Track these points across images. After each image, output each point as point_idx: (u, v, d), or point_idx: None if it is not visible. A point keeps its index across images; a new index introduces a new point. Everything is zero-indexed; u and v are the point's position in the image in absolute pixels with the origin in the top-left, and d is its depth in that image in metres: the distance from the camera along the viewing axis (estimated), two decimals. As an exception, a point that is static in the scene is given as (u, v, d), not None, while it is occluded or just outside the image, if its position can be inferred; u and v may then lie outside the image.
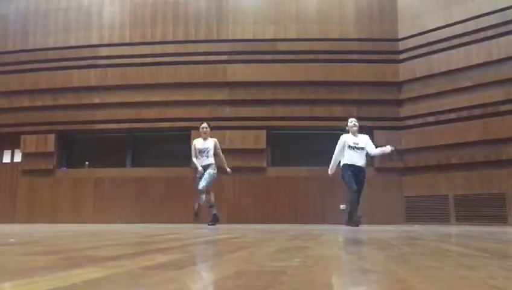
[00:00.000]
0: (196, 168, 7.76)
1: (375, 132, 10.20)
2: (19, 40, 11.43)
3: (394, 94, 10.43)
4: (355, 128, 7.61)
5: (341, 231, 4.87)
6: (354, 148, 7.41)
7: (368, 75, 10.37)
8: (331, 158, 7.67)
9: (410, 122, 10.25)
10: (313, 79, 10.48)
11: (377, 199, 9.97)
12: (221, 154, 7.97)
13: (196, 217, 7.71)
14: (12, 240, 2.22)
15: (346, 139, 7.52)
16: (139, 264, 1.01)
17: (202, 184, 7.56)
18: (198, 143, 7.94)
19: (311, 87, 10.51)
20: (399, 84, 10.45)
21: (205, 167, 7.73)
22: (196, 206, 7.71)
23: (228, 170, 8.04)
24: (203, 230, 4.09)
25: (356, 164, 7.34)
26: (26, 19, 11.52)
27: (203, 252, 1.33)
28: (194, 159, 7.84)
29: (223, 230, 4.55)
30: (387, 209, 9.92)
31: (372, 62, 10.46)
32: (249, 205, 10.19)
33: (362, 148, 7.42)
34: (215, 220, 7.58)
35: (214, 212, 7.67)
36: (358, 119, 10.24)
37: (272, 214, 10.03)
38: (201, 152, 7.83)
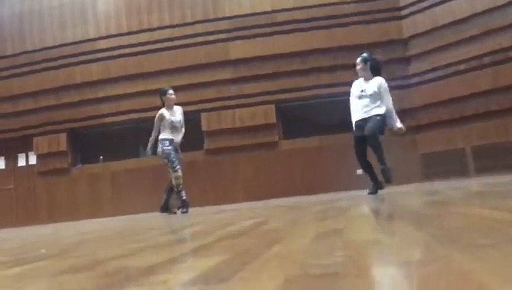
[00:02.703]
0: (169, 153, 6.42)
1: (385, 93, 10.07)
2: (17, 43, 11.37)
3: (400, 52, 10.24)
4: (362, 73, 5.83)
5: (363, 200, 4.84)
6: (360, 96, 5.75)
7: (371, 36, 10.17)
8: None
9: (419, 79, 10.09)
10: (316, 47, 10.32)
11: (392, 160, 9.88)
12: None
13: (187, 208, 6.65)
14: (43, 251, 2.23)
15: (352, 87, 5.98)
16: (179, 277, 0.99)
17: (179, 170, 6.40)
18: (168, 114, 6.54)
19: (315, 56, 10.36)
20: (404, 42, 10.25)
21: (177, 146, 6.56)
22: (184, 195, 6.59)
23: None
24: (222, 215, 4.09)
25: (362, 118, 5.68)
26: (22, 20, 11.42)
27: (239, 251, 1.31)
28: (166, 136, 6.50)
29: (245, 212, 4.55)
30: (403, 169, 9.81)
31: (374, 22, 10.26)
32: (264, 180, 10.18)
33: (371, 96, 5.63)
34: (186, 205, 6.58)
35: (184, 197, 6.59)
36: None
37: (289, 187, 10.02)
38: (175, 126, 6.52)
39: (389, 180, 5.74)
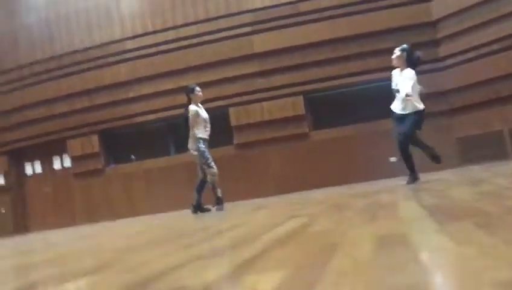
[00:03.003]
0: (204, 151, 6.47)
1: (417, 77, 9.82)
2: (47, 48, 11.58)
3: (430, 35, 9.96)
4: (395, 61, 5.73)
5: (404, 191, 4.72)
6: (396, 91, 5.73)
7: (399, 20, 9.91)
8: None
9: (450, 61, 9.80)
10: (342, 35, 10.13)
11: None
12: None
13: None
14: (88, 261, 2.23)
15: (392, 75, 5.83)
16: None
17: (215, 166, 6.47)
18: (201, 111, 6.64)
19: (341, 44, 10.18)
20: (433, 24, 9.95)
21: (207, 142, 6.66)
22: (219, 192, 6.61)
23: None
24: (261, 214, 4.05)
25: (400, 113, 5.74)
26: (49, 25, 11.61)
27: (297, 264, 1.26)
28: (199, 133, 6.51)
29: (283, 208, 4.51)
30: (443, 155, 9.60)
31: (402, 5, 9.98)
32: (295, 172, 10.11)
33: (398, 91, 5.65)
34: (221, 202, 6.63)
35: (219, 194, 6.62)
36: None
37: (321, 178, 9.92)
38: (206, 123, 6.62)
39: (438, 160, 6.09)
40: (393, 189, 4.73)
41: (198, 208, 6.70)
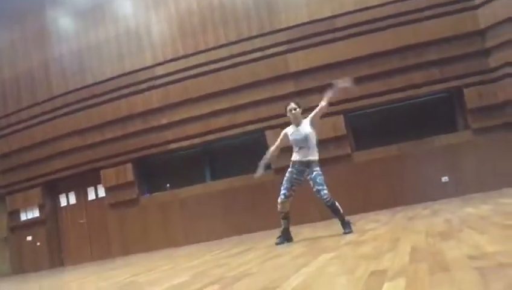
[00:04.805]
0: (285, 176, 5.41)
1: (465, 90, 9.20)
2: (78, 79, 11.47)
3: (478, 44, 9.31)
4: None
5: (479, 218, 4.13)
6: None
7: (444, 30, 9.33)
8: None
9: (502, 71, 9.11)
10: (383, 49, 9.61)
11: (480, 164, 8.97)
12: (317, 109, 5.46)
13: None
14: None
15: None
16: None
17: (324, 192, 5.27)
18: (290, 132, 5.49)
19: (382, 58, 9.64)
20: (481, 32, 9.30)
21: (307, 164, 5.39)
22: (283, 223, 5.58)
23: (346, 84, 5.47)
24: (335, 260, 3.52)
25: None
26: (80, 56, 11.53)
27: None
28: (273, 148, 5.60)
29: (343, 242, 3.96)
30: (496, 173, 8.87)
31: (447, 15, 9.40)
32: (341, 195, 9.44)
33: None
34: (284, 237, 5.59)
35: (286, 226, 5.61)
36: (443, 81, 9.36)
37: (368, 201, 9.32)
38: (298, 142, 5.38)
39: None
40: (450, 209, 4.12)
41: (346, 224, 5.39)
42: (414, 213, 6.81)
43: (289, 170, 5.46)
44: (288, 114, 5.52)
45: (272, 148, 5.70)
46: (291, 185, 5.45)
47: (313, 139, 5.49)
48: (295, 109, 5.48)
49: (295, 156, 5.45)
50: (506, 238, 2.94)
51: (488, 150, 9.02)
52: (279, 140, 5.64)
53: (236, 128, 10.35)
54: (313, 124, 5.48)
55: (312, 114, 5.52)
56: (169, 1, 10.96)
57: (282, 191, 5.47)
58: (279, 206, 5.53)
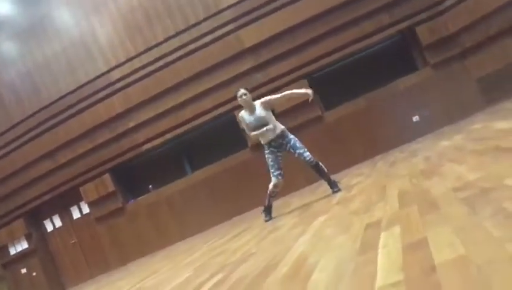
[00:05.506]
0: (267, 156, 5.45)
1: (417, 29, 9.33)
2: (34, 101, 11.13)
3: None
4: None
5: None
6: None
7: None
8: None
9: (449, 2, 9.26)
10: (331, 5, 9.61)
11: (445, 97, 9.20)
12: (276, 96, 5.67)
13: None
14: None
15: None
16: None
17: (306, 154, 5.35)
18: (246, 117, 5.51)
19: (332, 15, 9.65)
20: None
21: (281, 136, 5.42)
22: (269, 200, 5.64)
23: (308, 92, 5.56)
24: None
25: None
26: (31, 77, 11.17)
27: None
28: (252, 133, 5.49)
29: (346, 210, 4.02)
30: (461, 102, 9.11)
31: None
32: (319, 157, 9.55)
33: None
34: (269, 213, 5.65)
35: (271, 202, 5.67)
36: (394, 24, 9.47)
37: (347, 157, 9.45)
38: (257, 127, 5.38)
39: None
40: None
41: (333, 184, 5.47)
42: (393, 158, 6.98)
43: (268, 151, 5.45)
44: (239, 101, 5.52)
45: (249, 133, 5.53)
46: (279, 163, 5.46)
47: (271, 116, 5.49)
48: (245, 94, 5.46)
49: (266, 138, 5.42)
50: (483, 163, 3.06)
51: (450, 82, 9.23)
52: (243, 125, 5.58)
53: (205, 115, 10.28)
54: (266, 108, 5.44)
55: (265, 99, 5.50)
56: (109, 2, 10.67)
57: (276, 172, 5.43)
58: (276, 189, 5.51)
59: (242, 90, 5.53)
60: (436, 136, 7.85)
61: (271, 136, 5.42)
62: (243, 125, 5.65)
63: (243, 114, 5.58)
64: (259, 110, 5.44)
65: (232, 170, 10.09)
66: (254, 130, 5.44)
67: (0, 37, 11.42)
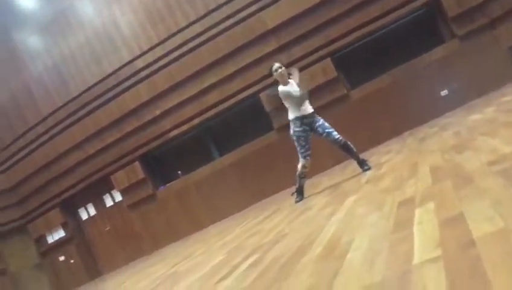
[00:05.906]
0: (298, 136, 5.30)
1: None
2: (63, 93, 11.37)
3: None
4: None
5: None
6: None
7: None
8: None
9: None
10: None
11: (474, 69, 8.93)
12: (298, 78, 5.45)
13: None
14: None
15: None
16: None
17: (334, 133, 5.32)
18: (290, 88, 5.35)
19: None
20: None
21: (313, 115, 5.38)
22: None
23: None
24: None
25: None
26: (58, 69, 11.39)
27: None
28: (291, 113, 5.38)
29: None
30: (491, 73, 8.84)
31: None
32: (347, 136, 9.49)
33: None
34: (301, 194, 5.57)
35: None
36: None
37: (375, 134, 9.34)
38: (303, 97, 5.32)
39: None
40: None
41: (362, 163, 5.41)
42: (423, 134, 6.86)
43: (300, 129, 5.29)
44: (275, 75, 5.45)
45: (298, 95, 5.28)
46: (310, 144, 5.38)
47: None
48: (281, 68, 5.42)
49: (302, 111, 5.31)
50: (519, 135, 2.98)
51: (479, 53, 8.96)
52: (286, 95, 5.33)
53: (230, 99, 10.31)
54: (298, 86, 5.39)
55: (297, 79, 5.41)
56: (129, -9, 10.73)
57: (306, 153, 5.35)
58: (305, 169, 5.45)
59: (277, 64, 5.51)
60: (466, 109, 7.67)
61: (308, 110, 5.34)
62: (286, 95, 5.31)
63: (286, 87, 5.36)
64: (296, 85, 5.36)
65: (258, 153, 10.11)
66: (302, 100, 5.32)
67: (26, 31, 11.65)
